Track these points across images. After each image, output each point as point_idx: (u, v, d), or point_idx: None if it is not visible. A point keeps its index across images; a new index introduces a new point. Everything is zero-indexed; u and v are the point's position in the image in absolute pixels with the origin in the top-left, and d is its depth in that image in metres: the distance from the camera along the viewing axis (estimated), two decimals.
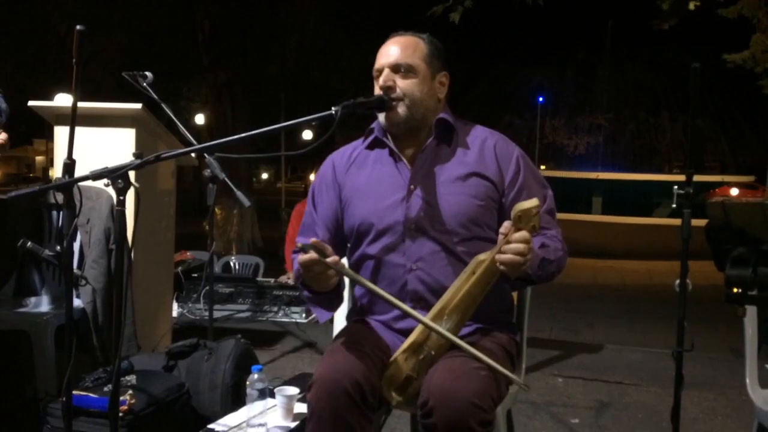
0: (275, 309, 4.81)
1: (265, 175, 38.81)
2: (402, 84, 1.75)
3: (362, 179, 1.83)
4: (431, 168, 1.78)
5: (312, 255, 1.56)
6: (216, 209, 9.46)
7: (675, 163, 24.53)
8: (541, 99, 24.66)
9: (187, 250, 5.57)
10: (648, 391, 3.47)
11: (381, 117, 1.79)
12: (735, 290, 1.36)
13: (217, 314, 4.48)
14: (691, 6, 7.90)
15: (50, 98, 3.41)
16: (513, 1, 5.88)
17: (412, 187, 1.76)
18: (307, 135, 23.01)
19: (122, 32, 11.62)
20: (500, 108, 22.95)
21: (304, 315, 4.77)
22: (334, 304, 1.83)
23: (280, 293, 4.87)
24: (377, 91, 1.77)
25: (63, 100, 3.35)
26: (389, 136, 1.83)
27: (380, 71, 1.77)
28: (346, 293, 1.95)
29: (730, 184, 15.24)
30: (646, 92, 22.21)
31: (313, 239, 1.58)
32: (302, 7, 9.57)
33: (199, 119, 14.72)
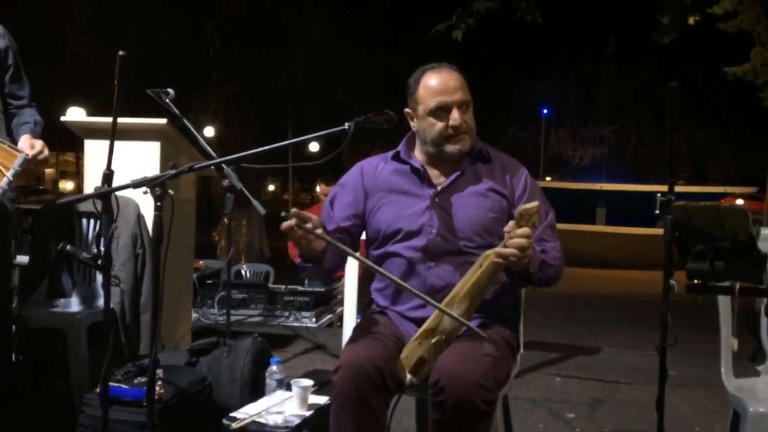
0: (286, 314, 5.01)
1: (271, 187, 39.10)
2: (467, 118, 2.01)
3: (391, 188, 2.07)
4: (456, 184, 2.03)
5: (292, 221, 1.76)
6: (225, 219, 9.73)
7: (680, 174, 24.67)
8: (545, 110, 24.89)
9: (199, 259, 5.80)
10: (642, 389, 3.64)
11: (449, 147, 2.00)
12: (695, 282, 1.57)
13: (231, 318, 4.69)
14: (691, 21, 8.11)
15: (63, 112, 3.64)
16: (513, 16, 6.10)
17: (436, 199, 2.01)
18: (314, 147, 23.31)
19: (134, 46, 11.91)
20: (504, 119, 23.19)
21: (314, 320, 4.97)
22: (321, 269, 2.02)
23: (291, 299, 5.07)
24: (439, 124, 1.98)
25: (76, 113, 3.58)
26: (417, 154, 2.08)
27: (444, 108, 1.98)
28: (350, 282, 2.18)
29: (734, 195, 15.40)
30: (649, 103, 22.39)
31: (293, 209, 1.80)
32: (308, 22, 9.85)
33: (208, 131, 15.00)
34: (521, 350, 2.23)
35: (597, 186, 14.82)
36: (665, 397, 3.42)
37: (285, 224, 1.78)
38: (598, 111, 23.36)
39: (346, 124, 1.85)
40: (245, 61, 9.41)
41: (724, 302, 2.10)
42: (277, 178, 34.27)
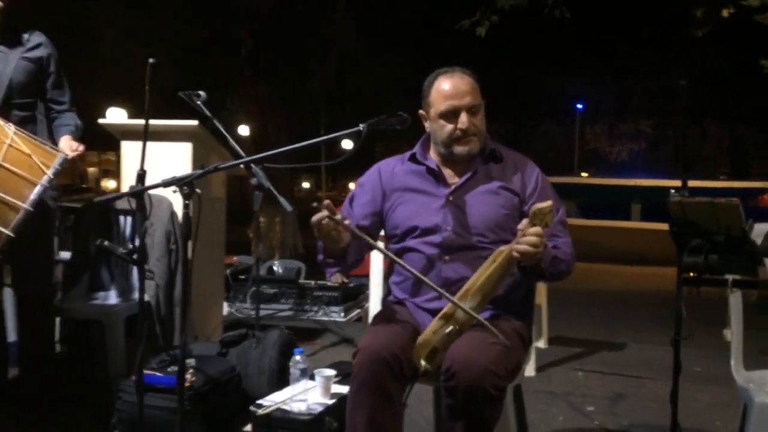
0: (316, 308, 5.12)
1: (306, 185, 39.48)
2: (475, 121, 2.10)
3: (408, 187, 2.17)
4: (469, 182, 2.13)
5: (324, 212, 1.86)
6: (260, 217, 9.93)
7: (722, 169, 24.16)
8: (580, 105, 24.62)
9: (233, 255, 5.97)
10: (665, 384, 3.62)
11: (458, 148, 2.10)
12: (691, 275, 1.62)
13: (261, 313, 4.82)
14: (725, 13, 7.98)
15: (102, 112, 3.81)
16: (541, 13, 6.11)
17: (450, 198, 2.11)
18: (347, 145, 23.52)
19: (171, 48, 12.20)
20: (537, 115, 23.02)
21: (342, 314, 5.08)
22: (344, 265, 2.14)
23: (321, 294, 5.19)
24: (449, 126, 2.09)
25: (115, 114, 3.75)
26: (432, 155, 2.18)
27: (454, 112, 2.09)
28: (376, 276, 2.29)
29: None
30: (688, 97, 21.93)
31: (326, 201, 1.89)
32: (339, 23, 9.98)
33: (243, 130, 15.27)
34: (543, 344, 2.30)
35: (632, 182, 14.62)
36: (688, 392, 3.48)
37: (317, 215, 1.88)
38: (634, 105, 23.01)
39: (360, 125, 1.96)
40: (277, 61, 9.58)
41: (734, 296, 2.14)
42: (310, 176, 34.63)
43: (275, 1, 9.64)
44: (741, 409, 2.23)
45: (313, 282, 5.53)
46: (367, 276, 4.83)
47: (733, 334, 2.20)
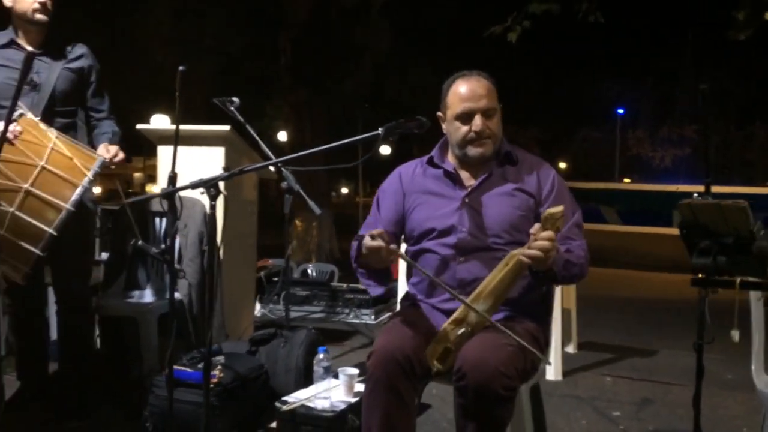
0: (347, 311, 5.21)
1: (345, 190, 39.73)
2: (490, 124, 2.14)
3: (425, 190, 2.23)
4: (485, 184, 2.17)
5: (380, 242, 1.92)
6: (297, 221, 10.10)
7: None
8: (621, 110, 24.23)
9: (269, 258, 6.10)
10: (693, 391, 3.62)
11: (471, 150, 2.15)
12: (699, 276, 1.63)
13: (294, 314, 4.94)
14: (767, 16, 7.82)
15: (147, 119, 3.96)
16: (574, 18, 6.09)
17: (467, 200, 2.15)
18: (385, 150, 23.59)
19: (213, 56, 12.46)
20: (575, 121, 22.73)
21: (372, 317, 5.15)
22: (383, 281, 2.24)
23: (352, 296, 5.27)
24: (463, 128, 2.13)
25: (159, 120, 3.89)
26: (449, 158, 2.23)
27: (469, 114, 2.13)
28: (402, 281, 2.36)
29: None
30: (732, 101, 21.43)
31: (380, 230, 1.95)
32: (376, 29, 10.08)
33: (282, 136, 15.49)
34: (572, 349, 2.29)
35: (672, 187, 14.34)
36: (718, 399, 3.43)
37: (374, 244, 1.93)
38: (676, 110, 22.55)
39: (379, 129, 2.02)
40: (315, 68, 9.73)
41: (756, 302, 2.12)
42: (350, 182, 34.88)
43: (312, 9, 9.79)
44: (762, 413, 2.21)
45: (345, 285, 5.61)
46: (397, 280, 4.90)
47: (754, 339, 2.18)
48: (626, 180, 24.83)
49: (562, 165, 31.64)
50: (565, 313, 4.29)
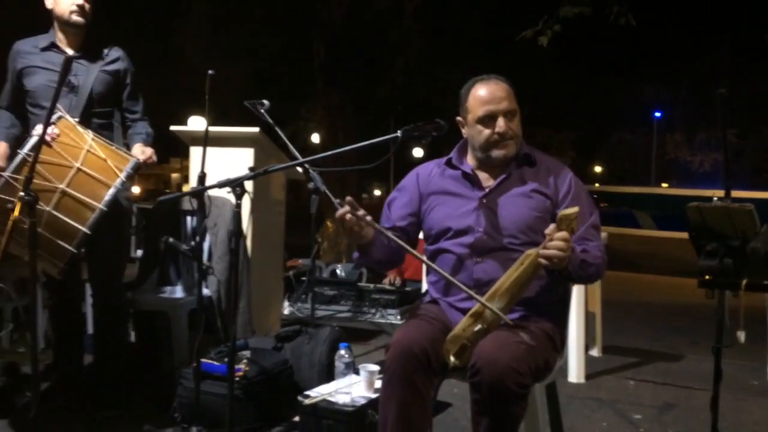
0: (373, 311, 5.28)
1: (377, 192, 39.84)
2: (512, 125, 2.19)
3: (443, 190, 2.28)
4: (502, 185, 2.21)
5: (346, 208, 1.99)
6: (328, 222, 10.21)
7: None
8: (658, 114, 23.84)
9: (299, 258, 6.22)
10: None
11: (495, 152, 2.19)
12: (706, 278, 1.65)
13: (321, 313, 5.04)
14: None
15: (184, 121, 4.09)
16: (605, 21, 6.07)
17: (484, 200, 2.20)
18: (418, 152, 23.63)
19: (247, 59, 12.70)
20: (610, 124, 22.42)
21: (398, 317, 5.21)
22: (369, 260, 2.25)
23: (379, 297, 5.34)
24: (486, 131, 2.17)
25: (195, 122, 4.02)
26: (468, 160, 2.28)
27: (491, 116, 2.18)
28: (424, 280, 2.42)
29: None
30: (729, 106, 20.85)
31: (348, 197, 2.02)
32: (408, 32, 10.16)
33: (315, 138, 15.66)
34: (597, 352, 2.30)
35: (709, 192, 14.06)
36: (743, 403, 3.41)
37: (340, 211, 2.02)
38: (713, 114, 22.10)
39: (398, 131, 2.09)
40: (348, 70, 9.85)
41: None
42: (381, 183, 34.99)
43: (346, 13, 9.91)
44: None
45: (371, 285, 5.68)
46: (420, 280, 4.95)
47: None
48: (663, 185, 24.42)
49: (597, 168, 31.26)
50: (590, 316, 4.29)
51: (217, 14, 11.78)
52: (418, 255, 2.16)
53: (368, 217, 2.05)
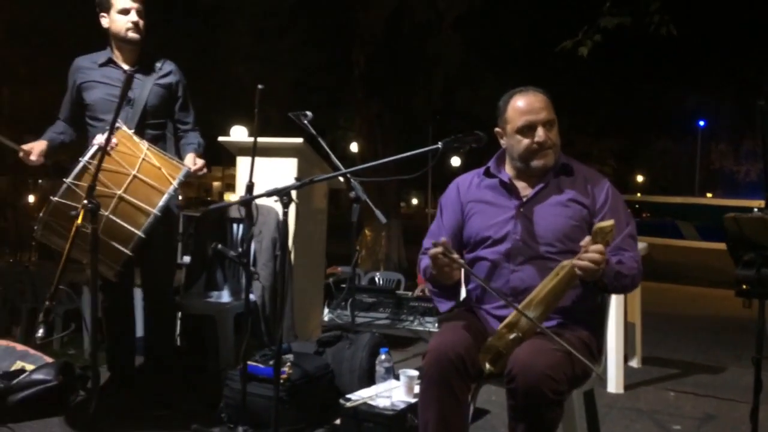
0: (411, 318, 5.34)
1: (415, 201, 39.92)
2: (551, 135, 2.25)
3: (481, 200, 2.34)
4: (540, 194, 2.26)
5: (439, 249, 2.05)
6: (366, 231, 10.32)
7: None
8: (702, 123, 23.38)
9: (339, 265, 6.33)
10: (760, 408, 3.55)
11: (535, 162, 2.24)
12: (744, 287, 1.67)
13: (360, 320, 5.12)
14: None
15: (227, 130, 4.23)
16: (646, 31, 6.04)
17: (521, 209, 2.25)
18: (456, 161, 23.64)
19: (289, 70, 12.93)
20: (652, 133, 22.03)
21: (436, 325, 5.26)
22: (452, 297, 2.35)
23: (416, 304, 5.40)
24: (525, 141, 2.23)
25: (238, 132, 4.16)
26: (507, 169, 2.33)
27: (531, 126, 2.23)
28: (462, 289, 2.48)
29: None
30: None
31: (442, 239, 2.08)
32: (447, 43, 10.22)
33: (354, 147, 15.83)
34: (636, 363, 2.29)
35: (755, 203, 13.76)
36: None
37: (434, 251, 2.07)
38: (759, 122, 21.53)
39: (439, 143, 2.16)
40: (387, 80, 9.96)
41: None
42: (420, 192, 35.06)
43: (386, 23, 10.03)
44: None
45: (410, 293, 5.75)
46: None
47: None
48: (708, 195, 23.90)
49: (639, 178, 30.73)
50: (630, 326, 4.27)
51: (260, 27, 12.04)
52: (476, 276, 2.20)
53: (461, 260, 2.10)
